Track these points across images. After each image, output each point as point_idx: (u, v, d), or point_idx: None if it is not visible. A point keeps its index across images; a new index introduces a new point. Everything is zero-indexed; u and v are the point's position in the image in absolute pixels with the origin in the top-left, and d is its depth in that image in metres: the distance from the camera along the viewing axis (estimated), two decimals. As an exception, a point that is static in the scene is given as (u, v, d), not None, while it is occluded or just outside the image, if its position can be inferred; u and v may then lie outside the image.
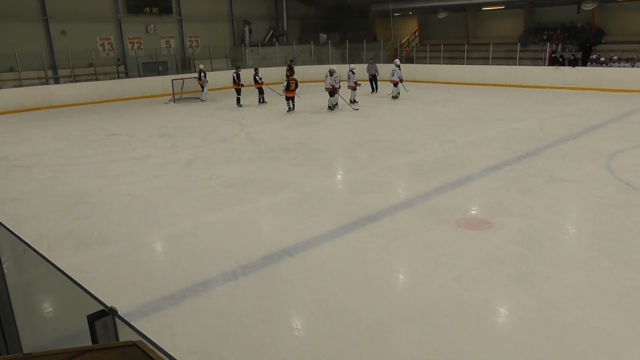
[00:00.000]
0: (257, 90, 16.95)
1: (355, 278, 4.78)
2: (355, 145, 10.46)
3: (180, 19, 24.11)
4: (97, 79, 19.88)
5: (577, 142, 10.19)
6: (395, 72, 17.25)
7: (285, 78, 16.02)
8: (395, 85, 17.23)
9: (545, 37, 22.01)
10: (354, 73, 16.13)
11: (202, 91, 18.28)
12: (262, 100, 17.06)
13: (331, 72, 15.27)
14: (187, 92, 18.60)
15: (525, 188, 7.33)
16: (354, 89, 16.07)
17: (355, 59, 25.09)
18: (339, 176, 8.75)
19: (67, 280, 1.78)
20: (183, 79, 18.69)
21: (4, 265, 2.56)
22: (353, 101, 16.01)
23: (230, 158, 9.68)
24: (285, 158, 9.53)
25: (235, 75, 16.64)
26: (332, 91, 15.18)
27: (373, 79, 19.03)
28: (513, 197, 6.99)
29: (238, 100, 16.71)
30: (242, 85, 16.64)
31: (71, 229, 6.25)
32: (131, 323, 1.49)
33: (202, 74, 18.07)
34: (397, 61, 18.39)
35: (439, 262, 5.05)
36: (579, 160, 8.74)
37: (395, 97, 17.40)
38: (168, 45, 24.03)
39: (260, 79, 16.87)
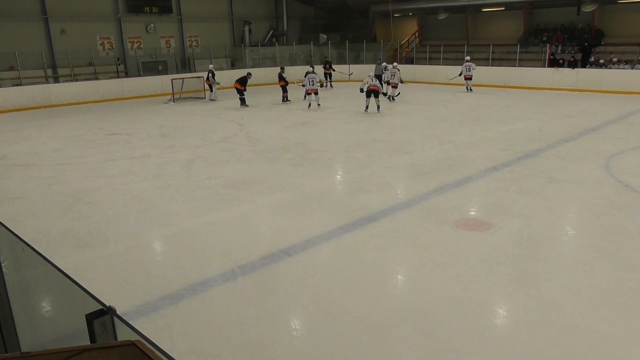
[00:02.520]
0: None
1: (355, 278, 4.78)
2: (354, 146, 10.46)
3: (180, 19, 24.11)
4: (96, 78, 19.87)
5: (577, 144, 10.21)
6: (395, 74, 17.38)
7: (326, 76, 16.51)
8: (395, 87, 17.33)
9: (545, 38, 22.05)
10: (399, 70, 17.15)
11: (211, 91, 18.23)
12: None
13: (306, 74, 15.63)
14: (186, 92, 18.59)
15: (524, 189, 7.33)
16: (395, 86, 16.92)
17: (355, 59, 25.13)
18: (338, 176, 8.75)
19: (66, 279, 1.77)
20: (183, 78, 18.68)
21: (2, 264, 2.55)
22: (392, 98, 16.75)
23: (230, 158, 9.68)
24: (284, 158, 9.53)
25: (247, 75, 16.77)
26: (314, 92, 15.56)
27: (379, 80, 19.08)
28: (512, 198, 6.99)
29: (242, 100, 16.61)
30: (245, 89, 16.60)
31: (70, 228, 6.25)
32: (130, 322, 1.49)
33: (211, 74, 18.03)
34: (395, 63, 18.69)
35: (438, 263, 5.05)
36: (578, 162, 8.75)
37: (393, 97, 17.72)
38: (168, 45, 24.03)
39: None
